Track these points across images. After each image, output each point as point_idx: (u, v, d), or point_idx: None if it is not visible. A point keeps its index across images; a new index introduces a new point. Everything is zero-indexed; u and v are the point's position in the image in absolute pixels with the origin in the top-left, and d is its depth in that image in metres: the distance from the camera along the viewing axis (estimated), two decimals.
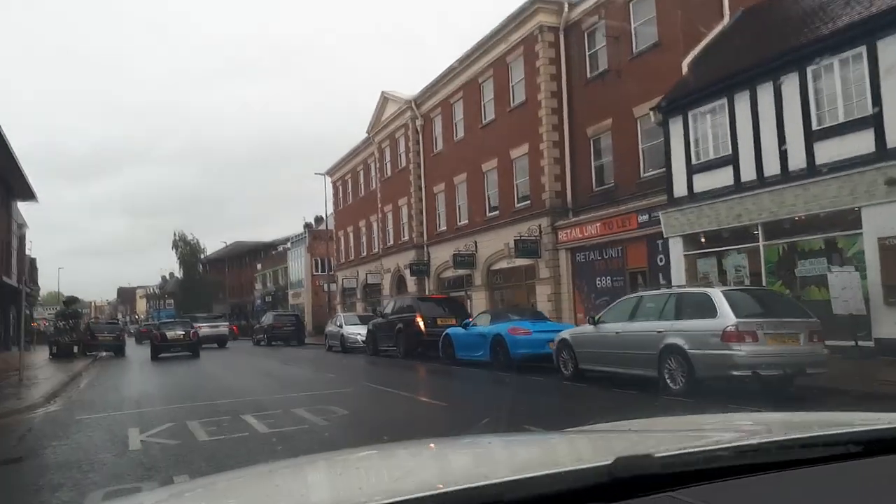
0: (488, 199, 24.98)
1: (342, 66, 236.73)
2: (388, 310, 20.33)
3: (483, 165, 24.99)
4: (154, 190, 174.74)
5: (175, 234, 76.60)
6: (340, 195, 43.20)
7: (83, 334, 27.96)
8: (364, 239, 38.91)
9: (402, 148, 32.34)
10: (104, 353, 29.09)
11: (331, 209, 45.08)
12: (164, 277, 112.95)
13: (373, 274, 35.44)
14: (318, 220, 57.96)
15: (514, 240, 21.16)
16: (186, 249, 76.83)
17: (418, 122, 30.55)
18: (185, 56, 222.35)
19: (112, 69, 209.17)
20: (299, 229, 57.99)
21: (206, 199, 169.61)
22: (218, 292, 78.76)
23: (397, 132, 32.65)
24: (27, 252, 70.62)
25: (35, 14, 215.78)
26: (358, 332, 23.18)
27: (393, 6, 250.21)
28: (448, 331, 15.97)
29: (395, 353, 19.36)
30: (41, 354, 28.75)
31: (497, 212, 24.19)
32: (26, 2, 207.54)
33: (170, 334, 26.06)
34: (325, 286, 43.86)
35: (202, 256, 79.21)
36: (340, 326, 24.47)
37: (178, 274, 78.98)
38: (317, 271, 52.56)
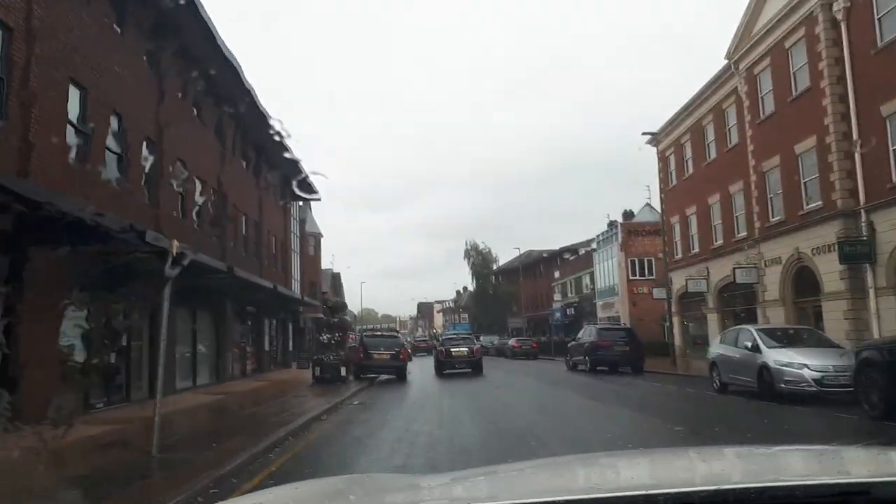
0: None
1: (625, 70, 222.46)
2: None
3: None
4: (450, 213, 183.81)
5: (467, 244, 72.16)
6: (672, 168, 31.83)
7: (353, 352, 20.92)
8: (719, 221, 27.01)
9: (800, 59, 20.10)
10: (383, 377, 21.95)
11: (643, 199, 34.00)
12: (458, 292, 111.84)
13: (743, 268, 23.42)
14: (628, 215, 47.01)
15: None
16: (478, 259, 71.75)
17: (838, 7, 18.17)
18: (465, 81, 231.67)
19: (403, 103, 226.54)
20: (603, 228, 47.72)
21: (498, 217, 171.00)
22: (511, 304, 72.17)
23: (790, 37, 20.48)
24: (328, 266, 71.76)
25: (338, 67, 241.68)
26: (804, 362, 11.82)
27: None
28: None
29: None
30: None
31: None
32: (354, 63, 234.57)
33: (454, 351, 25.14)
34: (655, 291, 32.67)
35: (494, 267, 73.48)
36: (756, 350, 13.17)
37: (471, 287, 74.16)
38: (634, 275, 41.62)
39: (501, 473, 1.80)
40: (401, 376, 21.89)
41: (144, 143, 14.97)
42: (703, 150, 27.93)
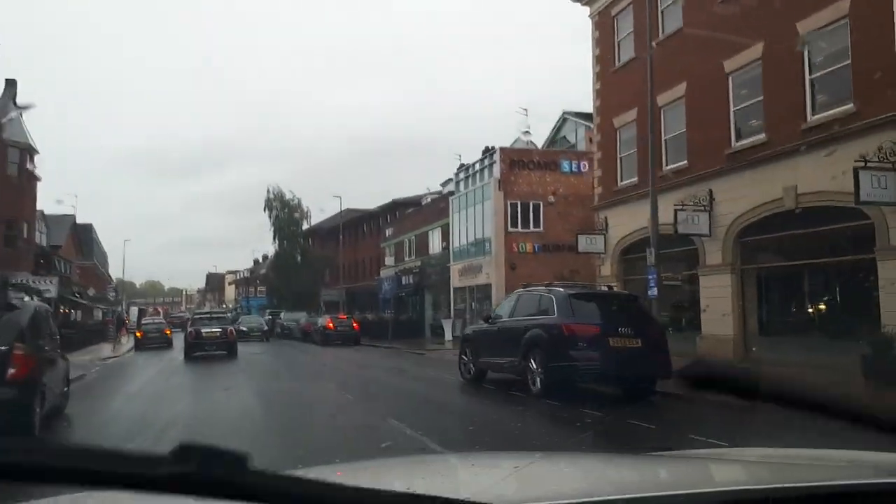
0: None
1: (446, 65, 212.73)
2: None
3: None
4: (253, 188, 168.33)
5: (269, 192, 55.06)
6: (625, 34, 18.99)
7: None
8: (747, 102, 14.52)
9: None
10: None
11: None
12: (256, 260, 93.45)
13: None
14: (489, 152, 33.93)
15: None
16: (284, 213, 55.25)
17: None
18: (282, 58, 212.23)
19: (214, 71, 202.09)
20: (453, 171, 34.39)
21: (308, 197, 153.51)
22: (324, 273, 56.95)
23: None
24: (66, 212, 50.77)
25: (140, 23, 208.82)
26: None
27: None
28: None
29: None
30: None
31: None
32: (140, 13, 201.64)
33: (205, 332, 23.12)
34: (584, 241, 19.82)
35: (305, 225, 57.42)
36: None
37: (273, 247, 57.27)
38: (514, 226, 28.68)
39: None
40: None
41: None
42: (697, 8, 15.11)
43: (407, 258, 40.54)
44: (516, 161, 29.01)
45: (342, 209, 52.35)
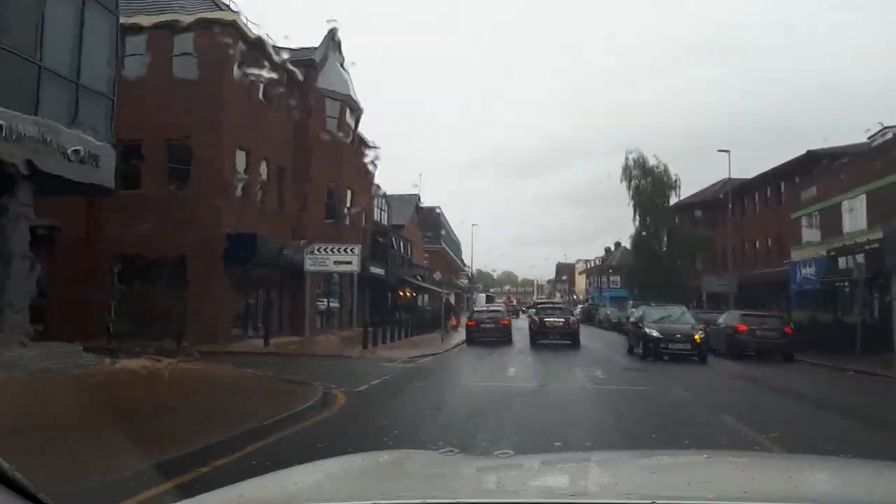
0: None
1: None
2: None
3: None
4: (595, 181, 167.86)
5: (627, 157, 44.78)
6: None
7: None
8: None
9: None
10: None
11: None
12: (607, 248, 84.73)
13: None
14: None
15: None
16: (646, 184, 44.56)
17: None
18: (620, 55, 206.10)
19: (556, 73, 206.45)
20: None
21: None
22: (694, 258, 45.07)
23: None
24: (412, 191, 47.30)
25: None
26: None
27: None
28: None
29: None
30: None
31: None
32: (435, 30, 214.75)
33: (549, 321, 23.23)
34: None
35: (674, 198, 45.89)
36: None
37: (634, 225, 46.66)
38: None
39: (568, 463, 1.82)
40: None
41: None
42: None
43: (847, 230, 26.68)
44: None
45: (728, 177, 39.51)
